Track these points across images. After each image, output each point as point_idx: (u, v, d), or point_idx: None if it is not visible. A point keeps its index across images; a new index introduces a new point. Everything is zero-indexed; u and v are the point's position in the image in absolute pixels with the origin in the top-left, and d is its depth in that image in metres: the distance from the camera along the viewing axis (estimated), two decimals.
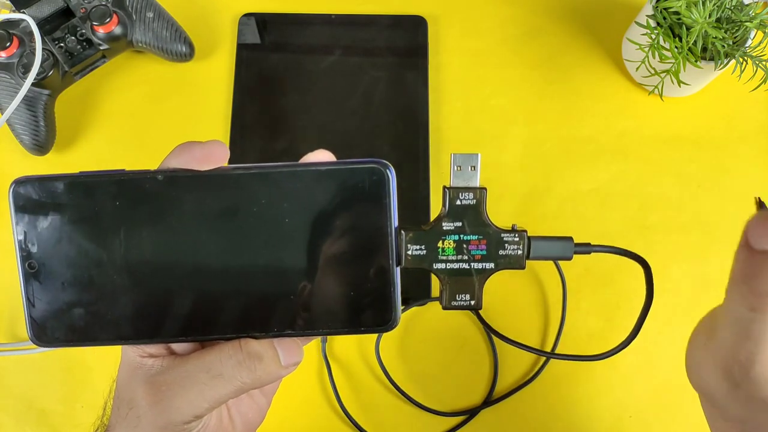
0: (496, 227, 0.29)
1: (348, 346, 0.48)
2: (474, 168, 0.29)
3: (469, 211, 0.28)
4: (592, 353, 0.48)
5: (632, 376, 0.47)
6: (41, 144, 0.50)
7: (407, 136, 0.52)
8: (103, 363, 0.47)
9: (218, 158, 0.28)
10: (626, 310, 0.46)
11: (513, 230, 0.29)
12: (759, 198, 0.54)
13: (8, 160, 0.52)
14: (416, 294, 0.48)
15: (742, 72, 0.46)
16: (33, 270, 0.26)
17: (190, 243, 0.27)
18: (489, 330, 0.47)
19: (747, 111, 0.54)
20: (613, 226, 0.50)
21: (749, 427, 0.28)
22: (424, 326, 0.48)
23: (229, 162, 0.55)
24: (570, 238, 0.29)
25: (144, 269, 0.27)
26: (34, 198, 0.26)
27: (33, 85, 0.49)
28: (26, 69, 0.48)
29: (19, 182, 0.26)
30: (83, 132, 0.53)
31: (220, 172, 0.28)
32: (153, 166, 0.50)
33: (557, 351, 0.48)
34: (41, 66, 0.48)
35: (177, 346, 0.28)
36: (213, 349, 0.27)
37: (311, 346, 0.48)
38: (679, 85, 0.48)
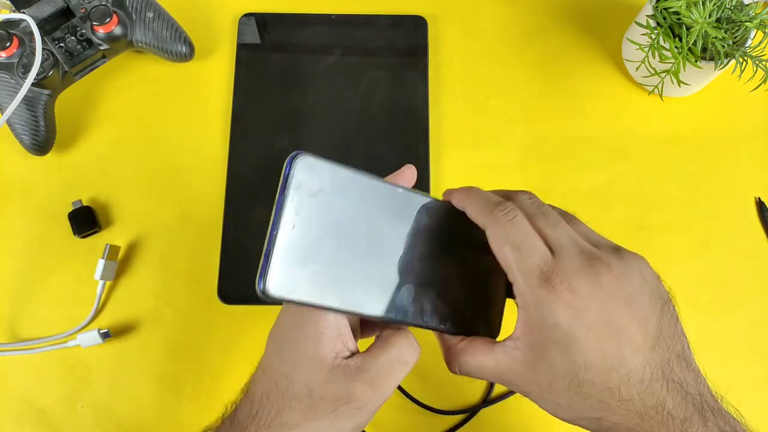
0: None
1: None
2: None
3: None
4: None
5: None
6: (41, 144, 0.50)
7: (407, 135, 0.52)
8: (103, 363, 0.47)
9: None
10: None
11: None
12: (759, 198, 0.54)
13: (8, 160, 0.52)
14: None
15: (742, 72, 0.46)
16: (292, 228, 0.29)
17: (417, 249, 0.32)
18: None
19: (747, 111, 0.54)
20: (613, 226, 0.50)
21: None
22: None
23: (230, 164, 0.55)
24: None
25: (373, 255, 0.31)
26: (306, 171, 0.29)
27: (33, 85, 0.49)
28: (26, 69, 0.48)
29: (298, 155, 0.29)
30: (83, 132, 0.53)
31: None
32: (153, 165, 0.50)
33: None
34: (41, 66, 0.48)
35: (353, 333, 0.33)
36: (395, 344, 0.32)
37: None
38: (679, 85, 0.48)
